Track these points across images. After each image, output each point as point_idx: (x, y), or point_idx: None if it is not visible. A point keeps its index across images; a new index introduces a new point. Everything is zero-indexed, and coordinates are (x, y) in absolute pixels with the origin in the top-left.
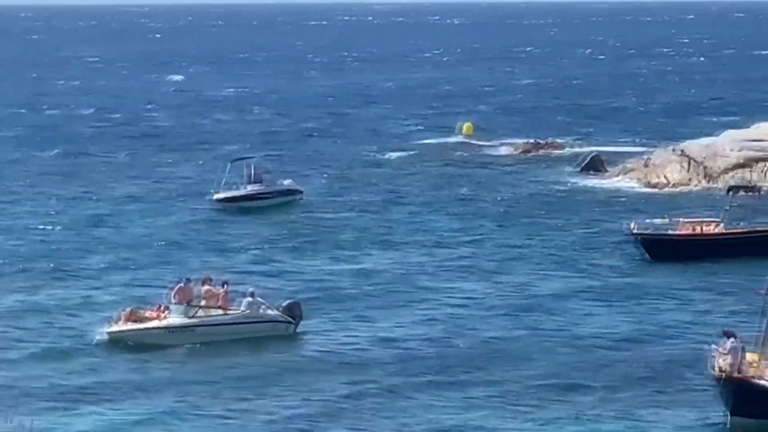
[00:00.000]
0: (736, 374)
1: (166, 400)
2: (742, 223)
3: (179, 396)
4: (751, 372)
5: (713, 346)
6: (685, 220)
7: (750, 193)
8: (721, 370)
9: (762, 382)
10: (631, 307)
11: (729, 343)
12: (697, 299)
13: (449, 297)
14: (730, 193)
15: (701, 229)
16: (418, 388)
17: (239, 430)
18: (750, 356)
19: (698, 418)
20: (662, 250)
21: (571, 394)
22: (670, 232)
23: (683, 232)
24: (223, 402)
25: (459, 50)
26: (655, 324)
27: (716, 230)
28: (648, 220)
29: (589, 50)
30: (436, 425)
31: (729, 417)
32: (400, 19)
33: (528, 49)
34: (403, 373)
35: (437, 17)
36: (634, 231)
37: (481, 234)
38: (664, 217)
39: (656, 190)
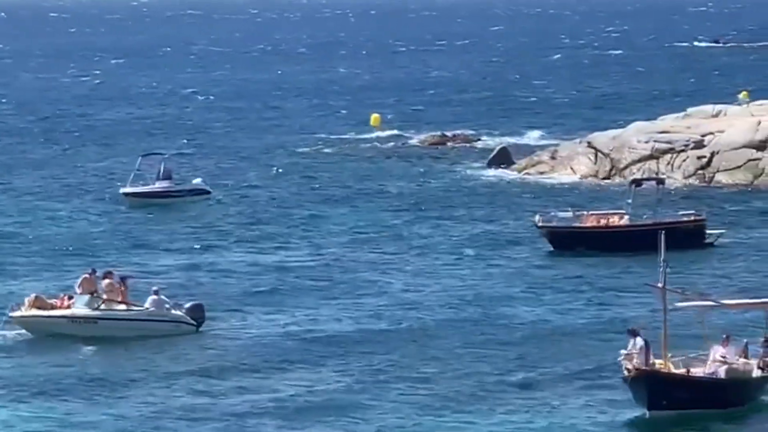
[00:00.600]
0: (644, 368)
1: (68, 394)
2: (646, 216)
3: (79, 390)
4: (660, 368)
5: (622, 351)
6: (591, 212)
7: (653, 186)
8: (630, 370)
9: (672, 371)
10: (539, 299)
11: (636, 342)
12: (603, 293)
13: (360, 293)
14: (633, 185)
15: (606, 222)
16: (331, 386)
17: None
18: (658, 362)
19: (615, 416)
20: (568, 242)
21: (487, 391)
22: (575, 224)
23: (588, 224)
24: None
25: (370, 42)
26: (565, 317)
27: (621, 222)
28: (553, 213)
29: (501, 44)
30: (364, 427)
31: (647, 413)
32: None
33: (442, 42)
34: (312, 372)
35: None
36: (540, 224)
37: (390, 227)
38: (568, 210)
39: (564, 182)
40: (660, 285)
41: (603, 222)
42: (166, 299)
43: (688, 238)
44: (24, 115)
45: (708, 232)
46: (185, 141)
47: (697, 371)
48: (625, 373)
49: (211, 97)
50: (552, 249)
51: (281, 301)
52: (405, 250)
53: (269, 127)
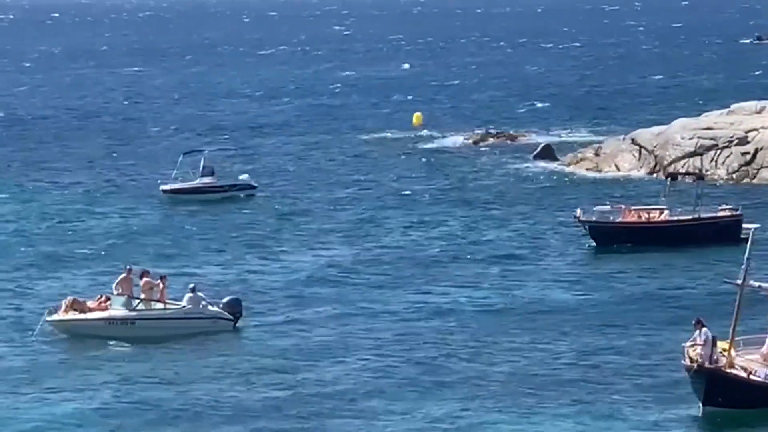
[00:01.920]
0: (707, 364)
1: (104, 394)
2: (680, 210)
3: (118, 391)
4: (722, 361)
5: (687, 343)
6: (632, 207)
7: (692, 181)
8: (692, 361)
9: (732, 371)
10: (587, 294)
11: (701, 333)
12: (653, 287)
13: (410, 292)
14: (668, 179)
15: (648, 217)
16: (369, 392)
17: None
18: (720, 344)
19: (672, 410)
20: (609, 237)
21: (541, 389)
22: (616, 219)
23: (629, 219)
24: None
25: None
26: (615, 314)
27: (662, 218)
28: (594, 208)
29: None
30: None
31: (701, 407)
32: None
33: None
34: (348, 377)
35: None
36: (581, 218)
37: (439, 223)
38: (606, 204)
39: (608, 178)
40: (739, 282)
41: (644, 217)
42: (203, 296)
43: (725, 233)
44: (65, 111)
45: (744, 226)
46: (227, 137)
47: (759, 369)
48: (687, 362)
49: (257, 94)
50: (594, 243)
51: (324, 297)
52: (451, 247)
53: (315, 126)
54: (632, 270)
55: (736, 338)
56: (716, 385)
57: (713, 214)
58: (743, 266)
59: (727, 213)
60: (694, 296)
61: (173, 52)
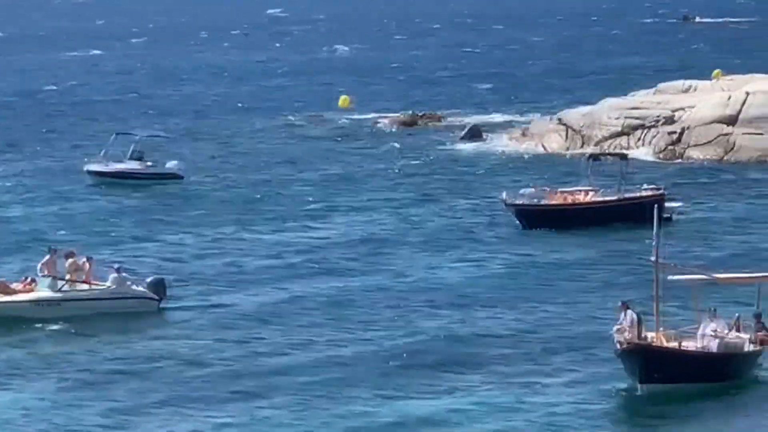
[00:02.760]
0: (637, 341)
1: (31, 375)
2: (602, 191)
3: (45, 372)
4: (652, 342)
5: (614, 327)
6: (559, 189)
7: (617, 161)
8: (622, 343)
9: (665, 345)
10: (514, 276)
11: (627, 315)
12: (581, 268)
13: (338, 275)
14: (590, 160)
15: (579, 199)
16: (293, 370)
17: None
18: (650, 335)
19: (606, 391)
20: (534, 219)
21: (470, 367)
22: (541, 201)
23: (555, 201)
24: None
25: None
26: (545, 293)
27: (587, 199)
28: (520, 191)
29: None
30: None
31: (639, 386)
32: None
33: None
34: (274, 356)
35: None
36: (507, 201)
37: (362, 206)
38: (533, 187)
39: (535, 159)
40: (653, 259)
41: (569, 198)
42: (128, 276)
43: (648, 213)
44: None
45: (667, 205)
46: (162, 122)
47: (690, 345)
48: (618, 346)
49: (198, 78)
50: (520, 226)
51: (247, 280)
52: (378, 230)
53: (250, 109)
54: (558, 251)
55: (671, 331)
56: (650, 361)
57: (637, 194)
58: (654, 243)
59: (651, 193)
60: (619, 275)
61: (115, 35)
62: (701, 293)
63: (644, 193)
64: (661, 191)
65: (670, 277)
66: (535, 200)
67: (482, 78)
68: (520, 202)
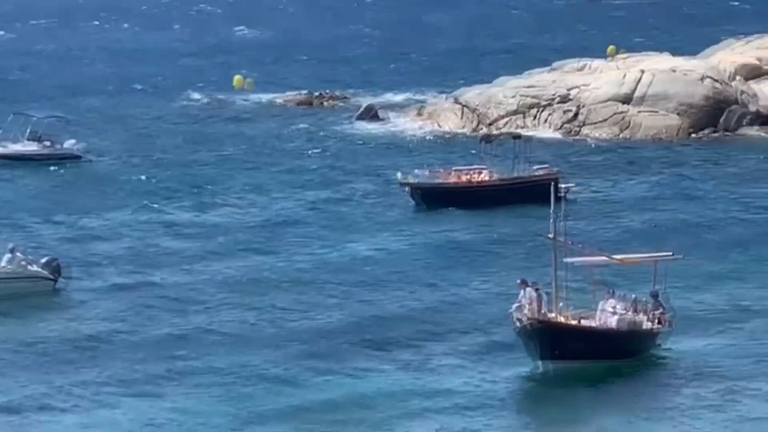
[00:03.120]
0: (538, 319)
1: None
2: (495, 171)
3: None
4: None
5: (514, 304)
6: (454, 169)
7: (511, 141)
8: (522, 320)
9: (565, 322)
10: (412, 255)
11: (526, 293)
12: (480, 248)
13: (234, 258)
14: (482, 142)
15: (477, 179)
16: (191, 349)
17: None
18: (557, 314)
19: (508, 370)
20: (430, 199)
21: (375, 352)
22: (437, 181)
23: (450, 181)
24: None
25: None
26: (446, 277)
27: (482, 178)
28: (415, 170)
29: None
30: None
31: (539, 363)
32: None
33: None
34: (172, 337)
35: None
36: (402, 181)
37: (263, 188)
38: (427, 167)
39: (436, 138)
40: (551, 236)
41: (464, 178)
42: (22, 256)
43: (542, 192)
44: None
45: (561, 185)
46: (61, 103)
47: (593, 322)
48: (517, 324)
49: (96, 59)
50: (416, 206)
51: (147, 262)
52: (278, 211)
53: (146, 91)
54: (456, 231)
55: (569, 312)
56: (550, 338)
57: (531, 174)
58: (552, 220)
59: (544, 172)
60: (518, 254)
61: (15, 16)
62: (600, 271)
63: (539, 173)
64: (555, 171)
65: (566, 260)
66: (431, 180)
67: (384, 58)
68: (416, 181)
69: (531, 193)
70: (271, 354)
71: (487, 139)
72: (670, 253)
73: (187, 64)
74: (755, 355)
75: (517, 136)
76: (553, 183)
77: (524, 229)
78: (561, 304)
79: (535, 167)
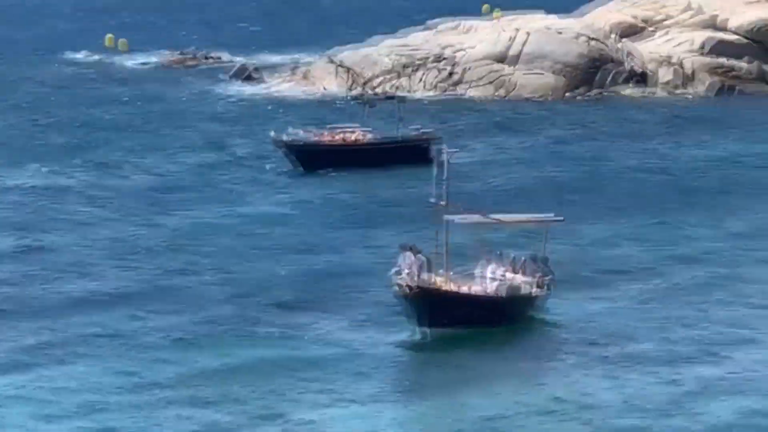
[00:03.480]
0: (418, 285)
1: None
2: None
3: None
4: (433, 283)
5: (394, 269)
6: (335, 128)
7: (391, 102)
8: (402, 286)
9: (450, 289)
10: (294, 218)
11: (406, 257)
12: (362, 210)
13: (109, 221)
14: (366, 106)
15: (344, 138)
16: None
17: None
18: (438, 280)
19: (388, 335)
20: (308, 159)
21: (257, 318)
22: (317, 140)
23: (332, 140)
24: None
25: None
26: (327, 240)
27: (363, 139)
28: (290, 129)
29: None
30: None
31: (417, 329)
32: None
33: None
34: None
35: None
36: (277, 139)
37: (137, 152)
38: (305, 127)
39: (313, 99)
40: (443, 203)
41: (345, 139)
42: None
43: (419, 154)
44: None
45: (440, 147)
46: None
47: (472, 287)
48: (397, 289)
49: None
50: (292, 166)
51: (32, 226)
52: (154, 176)
53: (18, 52)
54: (336, 191)
55: (449, 273)
56: (430, 305)
57: (411, 135)
58: (444, 187)
59: (424, 134)
60: (400, 217)
61: None
62: (485, 235)
63: (418, 135)
64: (435, 132)
65: (447, 216)
66: (305, 139)
67: (258, 19)
68: (290, 140)
69: (412, 155)
70: (159, 320)
71: (371, 103)
72: (553, 215)
73: (62, 26)
74: (635, 318)
75: (392, 97)
76: (434, 144)
77: (403, 191)
78: (441, 270)
79: (416, 129)
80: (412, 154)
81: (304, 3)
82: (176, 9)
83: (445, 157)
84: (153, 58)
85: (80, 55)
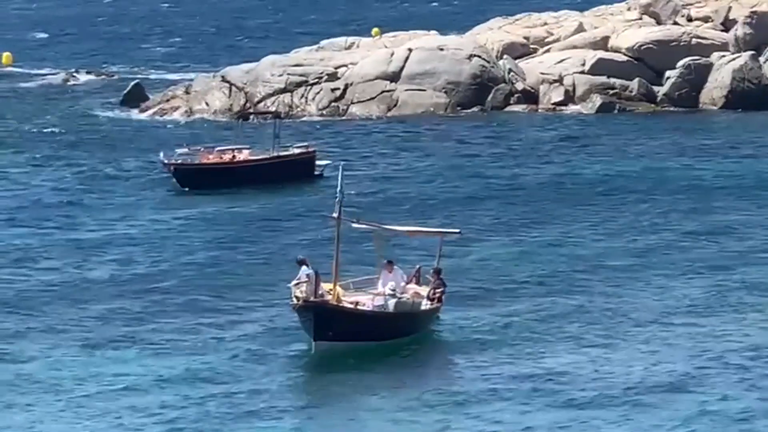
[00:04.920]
0: (312, 299)
1: None
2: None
3: None
4: (328, 298)
5: (292, 282)
6: (219, 149)
7: (271, 120)
8: (298, 299)
9: (340, 304)
10: (179, 239)
11: (303, 271)
12: (246, 228)
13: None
14: (240, 120)
15: (232, 157)
16: None
17: None
18: (325, 285)
19: (283, 348)
20: (192, 179)
21: (142, 327)
22: (198, 161)
23: (211, 160)
24: None
25: None
26: (222, 254)
27: (244, 157)
28: (177, 150)
29: None
30: None
31: (313, 343)
32: None
33: None
34: None
35: None
36: (165, 162)
37: (29, 172)
38: (186, 146)
39: (198, 118)
40: (335, 215)
41: (226, 157)
42: None
43: (300, 170)
44: None
45: (317, 163)
46: None
47: (367, 302)
48: (294, 301)
49: None
50: (180, 187)
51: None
52: (35, 194)
53: None
54: (222, 211)
55: (348, 281)
56: (324, 319)
57: (290, 152)
58: (337, 200)
59: (302, 150)
60: (290, 231)
61: None
62: (383, 246)
63: (296, 151)
64: (311, 149)
65: (353, 224)
66: (191, 159)
67: (155, 35)
68: (178, 161)
69: (291, 171)
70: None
71: (244, 117)
72: (455, 229)
73: None
74: (521, 328)
75: (277, 115)
76: (311, 160)
77: (291, 207)
78: (339, 284)
79: (294, 145)
80: (293, 170)
81: (195, 23)
82: (65, 25)
83: (340, 170)
84: (49, 77)
85: None
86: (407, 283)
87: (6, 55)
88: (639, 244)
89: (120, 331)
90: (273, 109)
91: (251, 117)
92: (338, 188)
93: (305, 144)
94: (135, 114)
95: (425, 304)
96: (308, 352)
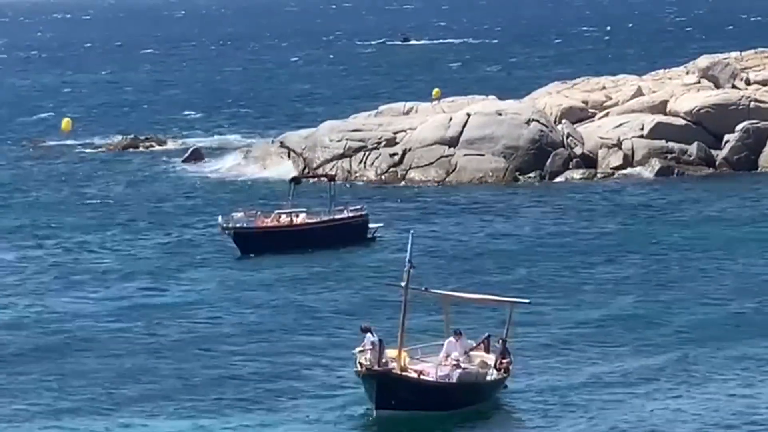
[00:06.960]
0: (376, 367)
1: None
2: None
3: None
4: (393, 366)
5: (356, 349)
6: (277, 211)
7: (326, 183)
8: (362, 366)
9: (403, 374)
10: (240, 303)
11: (368, 338)
12: (306, 293)
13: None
14: (292, 183)
15: (291, 221)
16: None
17: None
18: (390, 352)
19: (347, 414)
20: (250, 243)
21: (207, 392)
22: (254, 224)
23: (267, 223)
24: None
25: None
26: (282, 321)
27: (301, 220)
28: (233, 214)
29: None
30: None
31: (375, 411)
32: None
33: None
34: None
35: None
36: (224, 225)
37: (80, 233)
38: (242, 210)
39: (256, 182)
40: (403, 284)
41: (282, 221)
42: None
43: (353, 232)
44: None
45: (370, 226)
46: None
47: (431, 371)
48: (358, 368)
49: None
50: (239, 251)
51: None
52: (100, 258)
53: None
54: (281, 276)
55: (416, 346)
56: (387, 388)
57: (344, 215)
58: (406, 268)
59: (355, 213)
60: (352, 296)
61: None
62: (451, 313)
63: (349, 214)
64: (364, 212)
65: (433, 291)
66: (248, 224)
67: (210, 102)
68: (236, 225)
69: (346, 234)
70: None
71: (297, 180)
72: (525, 299)
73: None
74: (587, 394)
75: (331, 178)
76: (364, 223)
77: (350, 271)
78: (405, 351)
79: (347, 208)
80: (346, 232)
81: (256, 88)
82: (125, 93)
83: (410, 238)
84: (107, 143)
85: (32, 139)
86: (474, 350)
87: (66, 121)
88: (731, 309)
89: (181, 396)
90: (329, 172)
91: (306, 179)
92: (407, 256)
93: (358, 207)
94: (195, 177)
95: (491, 374)
96: (370, 419)
